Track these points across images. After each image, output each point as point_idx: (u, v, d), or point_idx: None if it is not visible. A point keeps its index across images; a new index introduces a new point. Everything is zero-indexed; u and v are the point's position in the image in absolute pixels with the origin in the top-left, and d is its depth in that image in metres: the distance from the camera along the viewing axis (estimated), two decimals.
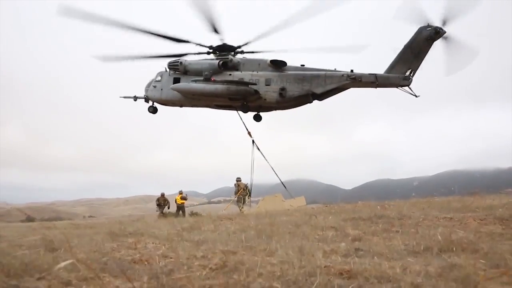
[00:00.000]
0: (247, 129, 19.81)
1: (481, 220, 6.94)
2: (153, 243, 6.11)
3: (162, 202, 25.51)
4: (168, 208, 25.69)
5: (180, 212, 24.79)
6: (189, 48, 18.05)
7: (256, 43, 17.79)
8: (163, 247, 5.70)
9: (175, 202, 25.19)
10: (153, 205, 27.03)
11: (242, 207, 19.68)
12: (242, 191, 20.61)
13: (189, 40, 17.44)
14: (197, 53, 18.45)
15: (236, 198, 20.75)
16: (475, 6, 14.45)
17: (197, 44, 17.89)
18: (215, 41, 18.10)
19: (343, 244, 5.59)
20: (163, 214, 24.19)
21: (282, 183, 20.88)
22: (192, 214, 27.43)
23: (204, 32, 17.07)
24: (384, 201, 12.19)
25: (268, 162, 19.73)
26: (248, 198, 20.95)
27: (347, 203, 13.65)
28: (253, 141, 19.80)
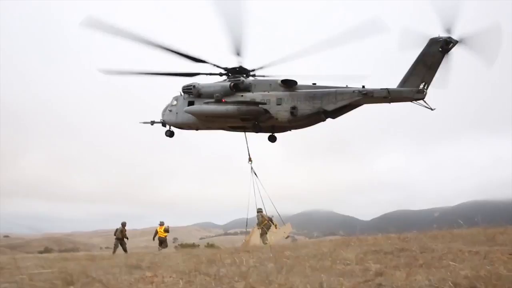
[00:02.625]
0: (249, 155, 19.94)
1: (510, 254, 6.65)
2: (170, 276, 6.05)
3: (121, 236, 22.00)
4: (127, 239, 22.38)
5: (162, 245, 22.59)
6: (205, 68, 18.41)
7: (269, 68, 18.13)
8: (181, 281, 5.63)
9: (155, 234, 22.98)
10: (169, 236, 26.24)
11: (267, 239, 18.28)
12: (267, 223, 19.44)
13: (206, 60, 17.84)
14: (208, 74, 18.82)
15: (260, 231, 19.23)
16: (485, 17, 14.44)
17: (214, 65, 18.28)
18: (233, 63, 18.42)
19: (364, 279, 5.42)
20: (114, 252, 20.84)
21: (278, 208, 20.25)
22: (209, 245, 26.99)
23: (222, 53, 17.44)
24: (404, 233, 11.85)
25: (263, 188, 19.50)
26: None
27: (366, 235, 13.30)
28: (252, 168, 19.83)
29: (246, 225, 21.02)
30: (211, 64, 18.16)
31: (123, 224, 22.49)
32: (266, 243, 17.32)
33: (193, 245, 30.58)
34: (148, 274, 6.40)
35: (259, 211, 19.74)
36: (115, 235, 22.31)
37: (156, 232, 23.01)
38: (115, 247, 21.89)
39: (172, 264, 7.61)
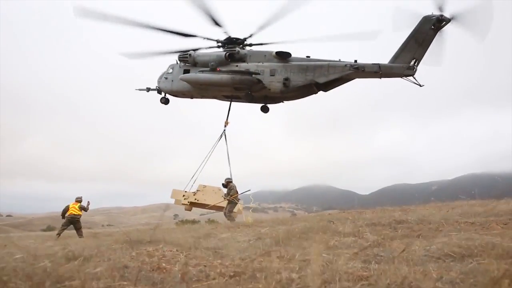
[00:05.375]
0: (227, 119, 20.01)
1: (505, 224, 6.76)
2: (171, 251, 6.14)
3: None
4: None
5: (76, 228, 16.53)
6: (197, 42, 18.65)
7: (261, 34, 18.50)
8: (181, 254, 5.72)
9: (65, 212, 16.70)
10: (170, 213, 25.37)
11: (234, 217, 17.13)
12: (237, 194, 17.69)
13: (196, 34, 17.97)
14: (208, 47, 19.00)
15: (228, 205, 17.39)
16: None
17: (204, 38, 18.43)
18: (220, 35, 18.66)
19: (362, 249, 5.51)
20: None
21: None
22: (209, 221, 27.06)
23: (207, 27, 17.57)
24: (402, 206, 12.01)
25: (228, 159, 19.42)
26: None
27: (364, 208, 13.47)
28: (224, 131, 19.88)
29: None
30: (202, 37, 18.28)
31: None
32: (234, 220, 16.45)
33: (193, 221, 30.94)
34: (149, 249, 6.50)
35: (229, 180, 18.29)
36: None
37: (67, 209, 16.77)
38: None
39: (172, 239, 7.71)
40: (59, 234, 16.20)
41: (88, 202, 17.29)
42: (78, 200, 17.06)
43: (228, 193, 17.78)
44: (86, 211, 17.19)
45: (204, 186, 19.01)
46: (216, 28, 17.77)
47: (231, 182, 18.26)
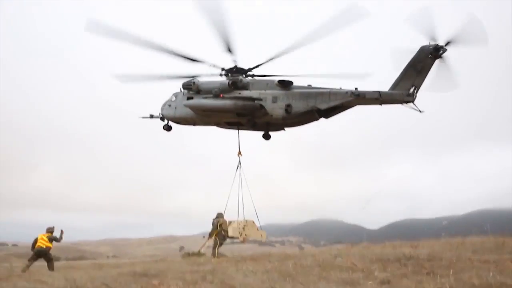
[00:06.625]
0: (239, 149, 20.16)
1: None
2: (176, 284, 6.04)
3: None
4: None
5: (47, 261, 15.20)
6: (203, 68, 18.86)
7: (265, 67, 18.70)
8: None
9: (34, 244, 15.19)
10: (176, 245, 24.16)
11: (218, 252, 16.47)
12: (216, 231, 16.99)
13: (203, 60, 18.31)
14: (210, 75, 19.37)
15: (217, 241, 16.64)
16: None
17: (211, 65, 18.82)
18: (228, 61, 18.96)
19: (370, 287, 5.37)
20: None
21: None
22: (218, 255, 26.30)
23: (217, 52, 17.74)
24: (412, 241, 11.75)
25: (240, 191, 19.09)
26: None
27: (373, 243, 13.20)
28: (239, 161, 19.97)
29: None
30: (209, 64, 18.67)
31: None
32: (215, 255, 15.83)
33: (199, 254, 30.39)
34: (155, 282, 6.41)
35: (220, 215, 17.55)
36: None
37: (35, 241, 15.27)
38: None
39: (178, 272, 7.60)
40: (24, 270, 14.58)
41: (62, 231, 15.68)
42: (50, 230, 15.45)
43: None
44: (58, 242, 15.65)
45: (246, 221, 19.22)
46: (227, 55, 18.06)
47: (217, 218, 17.28)
